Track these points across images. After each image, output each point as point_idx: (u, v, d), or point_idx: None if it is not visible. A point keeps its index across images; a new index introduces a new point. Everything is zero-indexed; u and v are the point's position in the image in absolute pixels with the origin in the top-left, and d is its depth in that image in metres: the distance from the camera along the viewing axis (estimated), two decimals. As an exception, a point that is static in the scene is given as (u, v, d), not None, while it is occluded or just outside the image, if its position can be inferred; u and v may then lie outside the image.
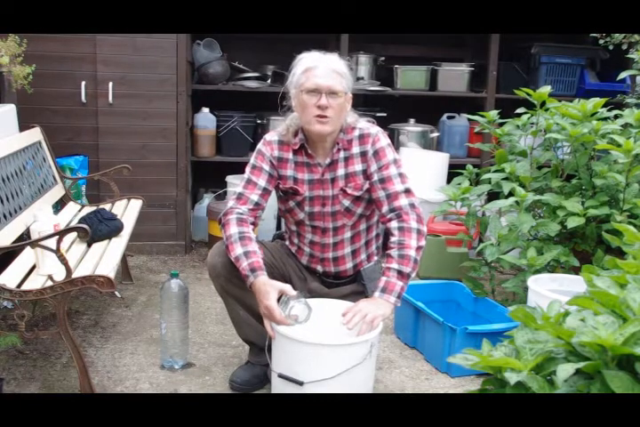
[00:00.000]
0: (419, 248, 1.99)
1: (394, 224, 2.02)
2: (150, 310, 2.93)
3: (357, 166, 2.08)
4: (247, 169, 2.14)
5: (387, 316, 1.93)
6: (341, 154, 2.09)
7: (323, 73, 1.96)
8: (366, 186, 2.09)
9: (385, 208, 2.05)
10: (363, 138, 2.08)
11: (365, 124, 2.12)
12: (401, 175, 2.06)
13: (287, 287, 1.91)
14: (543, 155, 2.92)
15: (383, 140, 2.09)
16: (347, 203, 2.11)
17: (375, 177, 2.06)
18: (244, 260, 1.96)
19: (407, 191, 2.05)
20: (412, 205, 2.03)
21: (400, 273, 1.95)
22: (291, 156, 2.12)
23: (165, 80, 3.54)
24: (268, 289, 1.89)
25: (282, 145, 2.13)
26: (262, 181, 2.11)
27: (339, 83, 1.97)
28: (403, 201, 2.03)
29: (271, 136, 2.16)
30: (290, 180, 2.13)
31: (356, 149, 2.08)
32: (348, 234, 2.17)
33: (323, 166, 2.10)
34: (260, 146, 2.15)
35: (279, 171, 2.13)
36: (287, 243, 2.31)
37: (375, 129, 2.11)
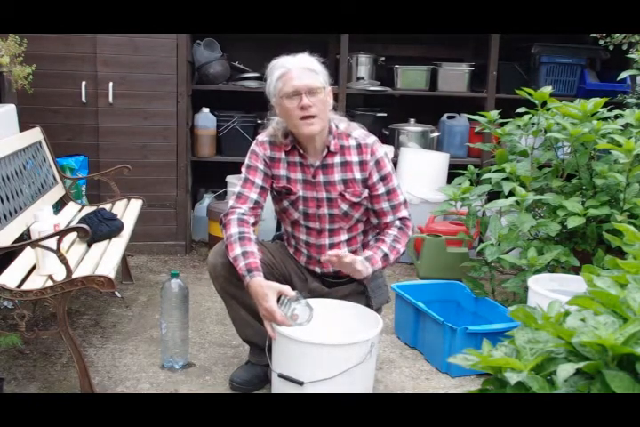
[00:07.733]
0: (402, 253, 2.14)
1: (397, 224, 2.15)
2: (150, 310, 2.93)
3: (357, 174, 2.12)
4: (243, 169, 2.18)
5: (362, 275, 1.99)
6: (337, 159, 2.11)
7: (297, 74, 1.99)
8: (365, 194, 2.14)
9: (390, 217, 2.16)
10: (360, 148, 2.13)
11: (360, 134, 2.15)
12: (399, 186, 2.19)
13: (285, 288, 1.91)
14: (544, 155, 2.91)
15: (380, 150, 2.14)
16: (345, 207, 2.14)
17: (382, 189, 2.13)
18: (242, 260, 1.97)
19: (405, 202, 2.20)
20: (410, 216, 2.20)
21: (385, 258, 2.07)
22: (283, 155, 2.15)
23: (165, 80, 3.54)
24: (266, 291, 1.89)
25: (273, 145, 2.16)
26: (259, 180, 2.14)
27: (315, 79, 2.00)
28: (404, 212, 2.18)
29: (262, 137, 2.19)
30: (283, 179, 2.15)
31: (355, 158, 2.12)
32: (344, 236, 2.19)
33: (314, 167, 2.12)
34: (253, 146, 2.20)
35: (272, 170, 2.16)
36: (286, 244, 2.32)
37: (372, 139, 2.15)
